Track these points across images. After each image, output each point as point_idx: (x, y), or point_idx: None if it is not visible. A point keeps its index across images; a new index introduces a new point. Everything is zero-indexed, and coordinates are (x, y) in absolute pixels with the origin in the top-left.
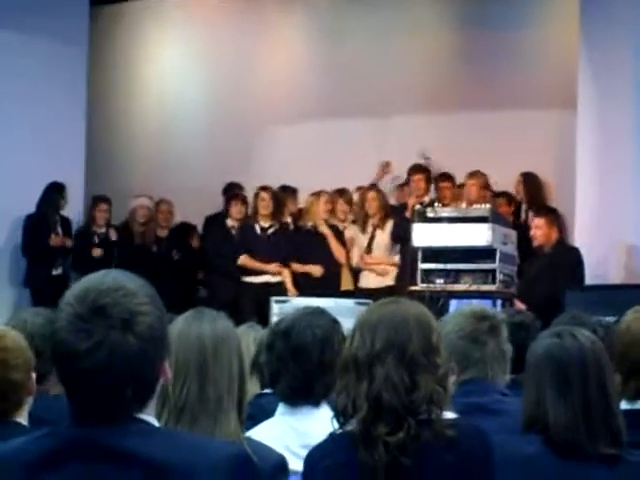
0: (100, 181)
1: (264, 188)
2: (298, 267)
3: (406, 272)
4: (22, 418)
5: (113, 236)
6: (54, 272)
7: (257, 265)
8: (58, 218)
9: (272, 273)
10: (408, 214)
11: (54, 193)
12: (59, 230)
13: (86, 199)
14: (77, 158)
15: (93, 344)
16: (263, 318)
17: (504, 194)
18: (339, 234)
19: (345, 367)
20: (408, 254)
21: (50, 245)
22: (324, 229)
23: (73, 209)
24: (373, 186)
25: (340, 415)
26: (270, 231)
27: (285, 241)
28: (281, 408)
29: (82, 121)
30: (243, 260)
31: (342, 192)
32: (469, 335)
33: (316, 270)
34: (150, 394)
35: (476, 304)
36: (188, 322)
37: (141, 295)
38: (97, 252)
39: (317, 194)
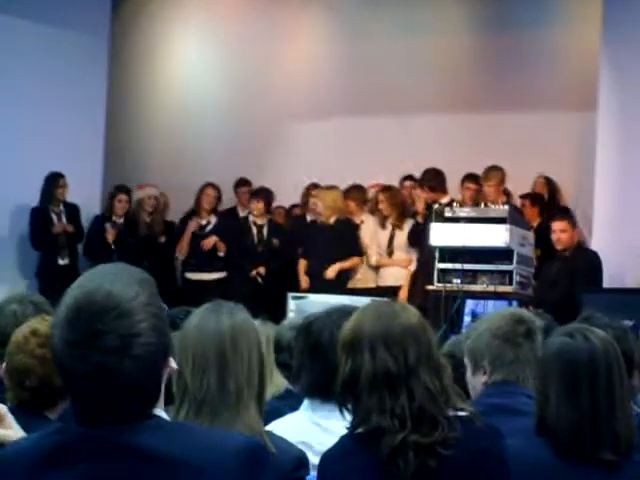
0: (118, 171)
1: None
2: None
3: (422, 271)
4: (54, 416)
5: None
6: (60, 262)
7: None
8: (62, 207)
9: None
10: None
11: (51, 183)
12: (64, 219)
13: (103, 189)
14: (96, 148)
15: (91, 368)
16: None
17: (530, 195)
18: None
19: (373, 383)
20: (424, 253)
21: (53, 233)
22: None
23: (91, 198)
24: (387, 187)
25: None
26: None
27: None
28: (305, 403)
29: (102, 112)
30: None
31: (357, 188)
32: (504, 335)
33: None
34: (156, 395)
35: (515, 308)
36: (206, 315)
37: (136, 310)
38: (110, 237)
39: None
